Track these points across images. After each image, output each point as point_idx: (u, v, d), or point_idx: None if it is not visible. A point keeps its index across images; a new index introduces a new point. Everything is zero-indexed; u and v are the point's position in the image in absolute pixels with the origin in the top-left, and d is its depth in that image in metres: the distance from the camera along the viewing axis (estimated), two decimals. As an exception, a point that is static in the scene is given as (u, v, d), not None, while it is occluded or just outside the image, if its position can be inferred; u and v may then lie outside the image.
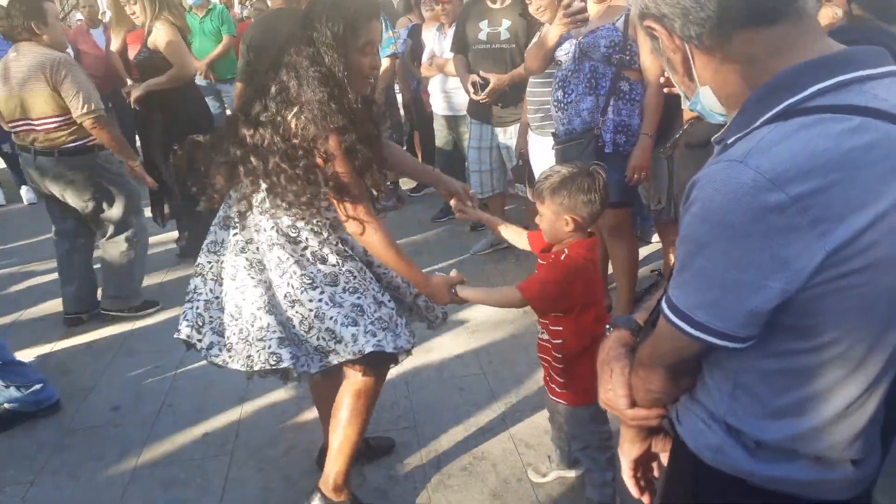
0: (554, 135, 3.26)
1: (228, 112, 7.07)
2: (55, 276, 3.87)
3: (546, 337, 2.03)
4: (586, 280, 1.95)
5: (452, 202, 2.18)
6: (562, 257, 1.91)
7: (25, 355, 3.48)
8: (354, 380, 2.04)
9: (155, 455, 2.62)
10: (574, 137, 3.03)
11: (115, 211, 3.65)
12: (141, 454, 2.63)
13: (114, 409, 2.95)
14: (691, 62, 0.91)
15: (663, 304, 0.93)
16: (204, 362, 3.28)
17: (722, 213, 0.80)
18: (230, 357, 1.96)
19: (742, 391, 0.94)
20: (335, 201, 1.84)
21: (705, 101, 0.94)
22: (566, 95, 3.03)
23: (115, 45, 5.24)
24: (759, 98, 0.85)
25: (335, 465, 2.10)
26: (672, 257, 3.65)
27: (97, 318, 3.78)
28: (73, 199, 3.55)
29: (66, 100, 3.29)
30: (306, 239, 1.92)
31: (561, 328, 1.97)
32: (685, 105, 1.01)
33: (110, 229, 3.68)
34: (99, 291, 3.83)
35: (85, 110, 3.30)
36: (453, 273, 2.01)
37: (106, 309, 3.79)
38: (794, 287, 0.80)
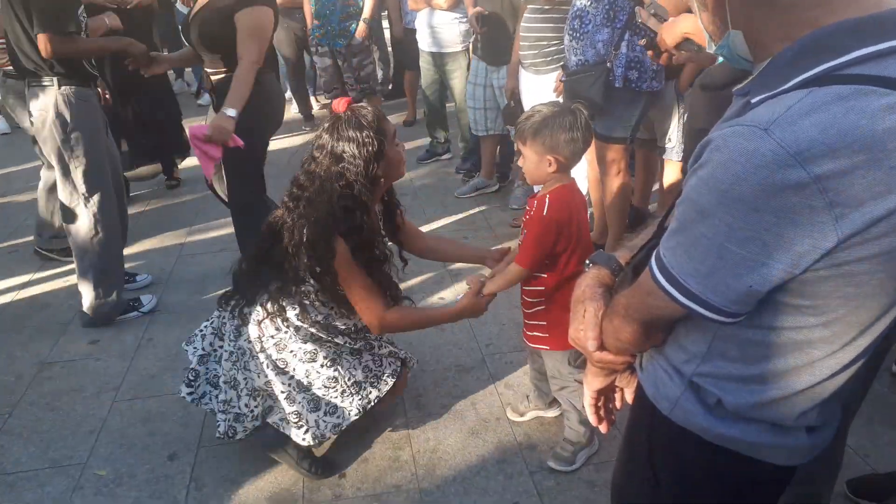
0: (563, 67, 3.20)
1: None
2: (30, 208, 3.78)
3: (525, 287, 2.04)
4: (579, 221, 1.95)
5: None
6: (543, 212, 1.88)
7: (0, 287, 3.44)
8: None
9: (135, 388, 2.62)
10: (586, 69, 2.98)
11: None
12: (120, 387, 2.62)
13: (92, 343, 2.93)
14: (726, 1, 0.84)
15: (653, 263, 0.88)
16: (184, 298, 3.28)
17: (734, 182, 0.74)
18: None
19: (716, 355, 0.92)
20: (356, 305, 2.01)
21: (735, 45, 0.86)
22: (583, 25, 2.96)
23: None
24: (793, 55, 0.77)
25: None
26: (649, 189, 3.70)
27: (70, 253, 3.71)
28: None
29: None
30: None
31: (545, 276, 1.97)
32: (710, 49, 0.94)
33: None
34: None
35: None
36: (471, 281, 2.04)
37: (39, 247, 3.69)
38: (799, 270, 0.76)
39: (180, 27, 3.45)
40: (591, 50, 2.95)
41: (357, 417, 2.15)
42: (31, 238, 3.82)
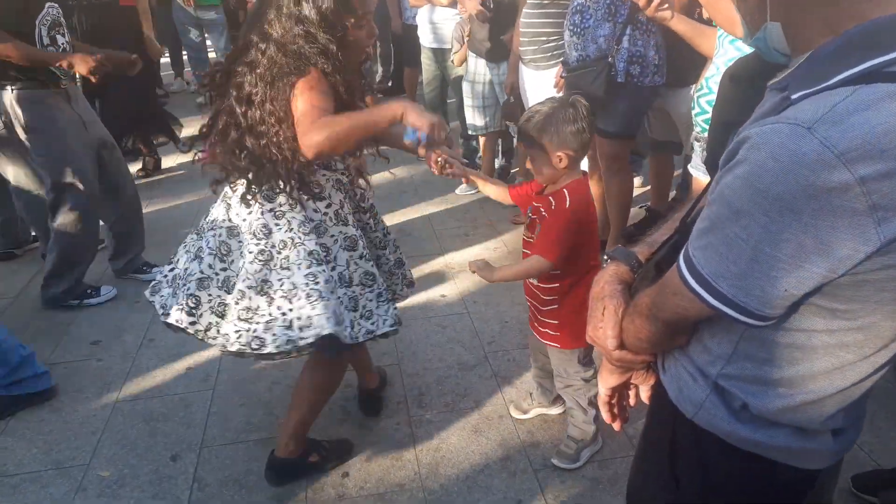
0: (564, 63, 3.18)
1: (209, 42, 6.80)
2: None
3: (536, 282, 2.01)
4: (594, 215, 1.94)
5: (432, 156, 1.86)
6: (565, 205, 1.86)
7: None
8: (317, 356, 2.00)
9: (137, 389, 2.61)
10: (587, 65, 2.96)
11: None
12: (122, 388, 2.62)
13: (94, 344, 2.93)
14: None
15: (681, 263, 0.85)
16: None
17: (773, 182, 0.71)
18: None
19: (742, 357, 0.89)
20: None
21: (772, 38, 0.83)
22: (584, 20, 2.94)
23: None
24: (836, 49, 0.74)
25: (288, 423, 2.11)
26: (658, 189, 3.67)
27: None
28: None
29: None
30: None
31: (559, 271, 1.95)
32: (746, 40, 0.91)
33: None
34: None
35: None
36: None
37: (42, 253, 3.59)
38: (838, 274, 0.73)
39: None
40: (592, 45, 2.94)
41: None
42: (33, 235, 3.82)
